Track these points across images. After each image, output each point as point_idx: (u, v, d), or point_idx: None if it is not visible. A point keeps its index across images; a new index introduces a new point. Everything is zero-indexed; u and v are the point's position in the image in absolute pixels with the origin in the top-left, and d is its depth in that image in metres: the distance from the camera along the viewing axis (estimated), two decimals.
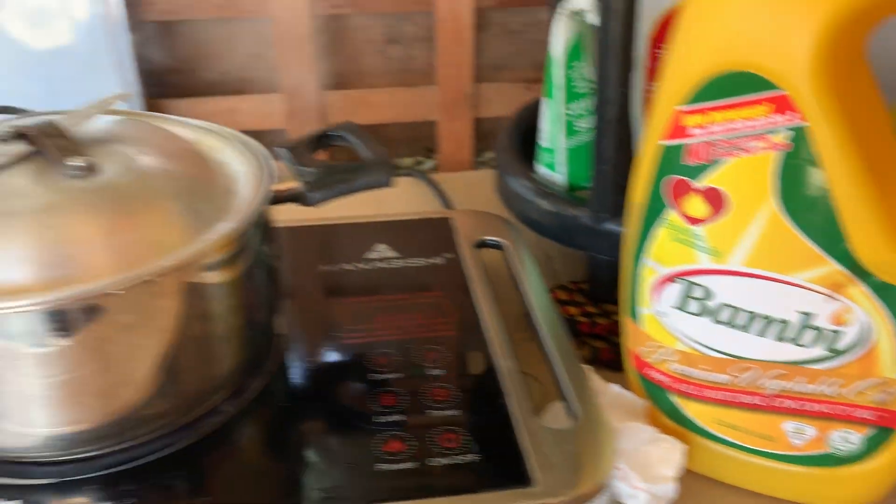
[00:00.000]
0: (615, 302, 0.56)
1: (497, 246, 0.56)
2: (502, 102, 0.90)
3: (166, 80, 0.87)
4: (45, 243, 0.36)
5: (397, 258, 0.55)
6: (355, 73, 0.90)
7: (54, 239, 0.36)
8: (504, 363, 0.46)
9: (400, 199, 0.65)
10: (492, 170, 0.92)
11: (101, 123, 0.44)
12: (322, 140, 0.51)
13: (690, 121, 0.38)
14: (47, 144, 0.39)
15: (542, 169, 0.59)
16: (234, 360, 0.43)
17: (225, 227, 0.39)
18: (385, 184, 0.47)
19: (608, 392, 0.46)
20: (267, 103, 0.87)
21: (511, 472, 0.39)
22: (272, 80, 0.88)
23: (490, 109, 0.90)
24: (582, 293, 0.58)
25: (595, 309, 0.56)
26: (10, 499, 0.38)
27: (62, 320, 0.35)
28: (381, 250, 0.56)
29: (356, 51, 0.89)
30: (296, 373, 0.47)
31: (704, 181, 0.38)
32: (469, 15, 0.84)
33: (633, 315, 0.45)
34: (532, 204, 0.57)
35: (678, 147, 0.39)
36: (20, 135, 0.41)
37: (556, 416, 0.44)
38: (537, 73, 0.91)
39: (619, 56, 0.48)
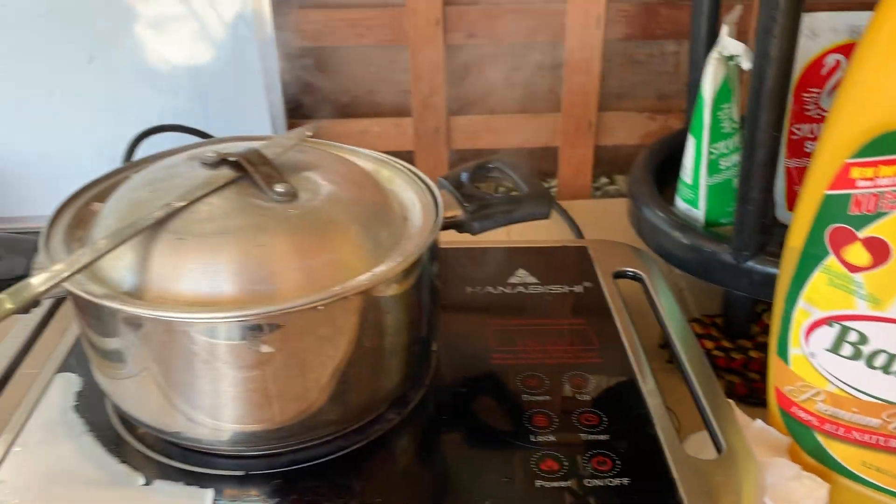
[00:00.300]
0: (750, 337, 0.57)
1: (635, 277, 0.58)
2: (624, 131, 0.92)
3: (302, 102, 0.93)
4: (253, 260, 0.40)
5: (537, 284, 0.58)
6: (480, 99, 0.93)
7: (260, 257, 0.41)
8: (649, 392, 0.48)
9: (525, 225, 0.68)
10: (612, 198, 0.95)
11: (292, 151, 0.48)
12: (479, 171, 0.54)
13: (858, 173, 0.39)
14: (255, 171, 0.43)
15: (680, 203, 0.61)
16: (400, 373, 0.47)
17: (409, 252, 0.43)
18: (545, 215, 0.50)
19: (752, 427, 0.47)
20: (397, 126, 0.92)
21: (662, 499, 0.41)
22: (400, 104, 0.93)
23: (611, 138, 0.92)
24: (716, 327, 0.59)
25: (730, 344, 0.57)
26: (203, 486, 0.43)
27: (265, 331, 0.40)
28: (522, 276, 0.59)
29: (482, 77, 0.92)
30: (449, 387, 0.50)
31: (868, 231, 0.40)
32: (598, 46, 0.86)
33: (782, 354, 0.46)
34: (669, 237, 0.59)
35: (843, 197, 0.40)
36: (225, 161, 0.45)
37: (698, 446, 0.46)
38: (660, 103, 0.94)
39: (772, 101, 0.50)
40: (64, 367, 0.51)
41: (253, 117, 0.88)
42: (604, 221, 0.82)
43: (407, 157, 0.92)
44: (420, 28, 0.85)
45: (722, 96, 0.56)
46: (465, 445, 0.46)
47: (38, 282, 0.37)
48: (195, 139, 0.79)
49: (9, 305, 0.35)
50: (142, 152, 0.77)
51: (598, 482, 0.42)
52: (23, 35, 0.83)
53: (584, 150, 0.91)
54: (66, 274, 0.37)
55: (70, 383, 0.50)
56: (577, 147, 0.91)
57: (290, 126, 0.91)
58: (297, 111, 0.92)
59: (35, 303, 0.38)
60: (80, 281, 0.40)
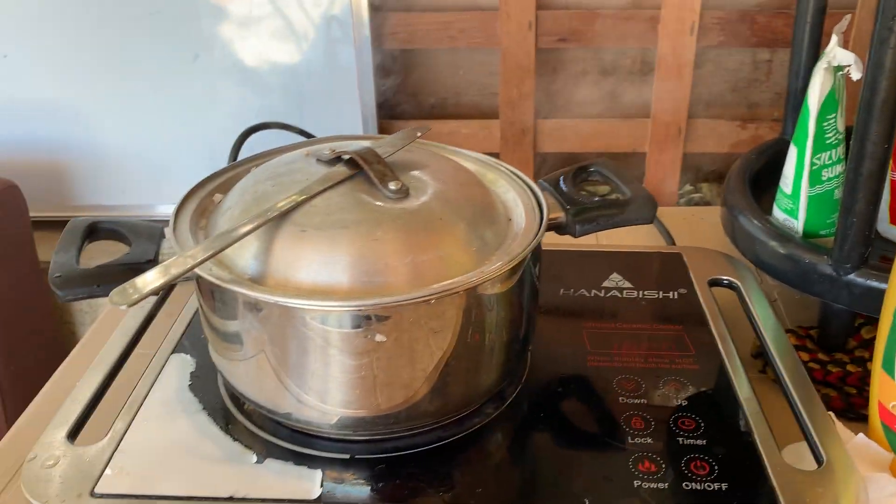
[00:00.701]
0: (847, 351, 0.57)
1: (730, 286, 0.58)
2: (713, 139, 0.91)
3: (391, 103, 0.95)
4: (367, 254, 0.42)
5: (631, 289, 0.59)
6: (567, 103, 0.94)
7: (374, 251, 0.42)
8: (746, 399, 0.48)
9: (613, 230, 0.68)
10: (699, 206, 0.94)
11: (402, 150, 0.50)
12: (579, 174, 0.55)
13: None
14: (369, 168, 0.45)
15: (778, 213, 0.60)
16: (499, 369, 0.48)
17: (515, 252, 0.44)
18: (649, 220, 0.51)
19: (853, 440, 0.47)
20: (484, 128, 0.93)
21: None
22: (486, 106, 0.94)
23: (699, 145, 0.92)
24: (811, 339, 0.59)
25: (826, 357, 0.56)
26: (311, 467, 0.45)
27: (378, 321, 0.41)
28: (616, 280, 0.59)
29: (570, 81, 0.93)
30: (545, 386, 0.51)
31: None
32: (691, 52, 0.86)
33: (888, 368, 0.46)
34: (766, 246, 0.58)
35: None
36: (340, 158, 0.47)
37: (796, 456, 0.46)
38: (750, 112, 0.93)
39: (884, 113, 0.49)
40: (178, 349, 0.54)
41: (346, 117, 0.91)
42: (691, 229, 0.81)
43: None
44: (512, 32, 0.86)
45: (828, 106, 0.56)
46: (560, 442, 0.47)
47: (175, 265, 0.39)
48: (295, 137, 0.82)
49: (151, 287, 0.38)
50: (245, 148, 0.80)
51: (696, 485, 0.42)
52: (133, 33, 0.88)
53: (673, 157, 0.91)
54: (201, 258, 0.40)
55: (185, 364, 0.52)
56: (665, 153, 0.91)
57: (381, 127, 0.93)
58: (386, 112, 0.94)
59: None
60: (209, 266, 0.42)
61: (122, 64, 0.89)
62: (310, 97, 0.91)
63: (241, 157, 0.78)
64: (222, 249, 0.41)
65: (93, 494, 0.43)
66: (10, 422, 0.82)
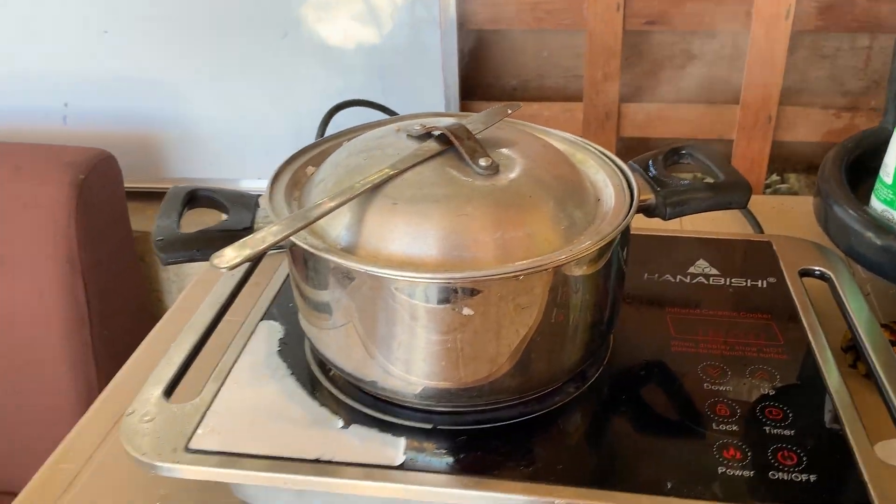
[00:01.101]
0: None
1: (822, 276, 0.57)
2: (805, 128, 0.88)
3: (473, 84, 0.95)
4: (457, 228, 0.43)
5: (718, 276, 0.57)
6: (652, 87, 0.92)
7: (464, 225, 0.43)
8: (836, 392, 0.47)
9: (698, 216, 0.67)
10: (789, 196, 0.91)
11: (492, 128, 0.50)
12: (670, 156, 0.54)
13: None
14: (461, 144, 0.46)
15: (877, 203, 0.58)
16: (581, 349, 0.48)
17: (605, 232, 0.44)
18: (742, 204, 0.49)
19: None
20: (566, 111, 0.92)
21: (852, 500, 0.40)
22: (568, 89, 0.94)
23: (789, 134, 0.89)
24: None
25: None
26: (395, 435, 0.46)
27: (467, 295, 0.42)
28: (702, 266, 0.58)
29: (656, 65, 0.91)
30: (628, 368, 0.51)
31: None
32: (784, 37, 0.83)
33: None
34: (862, 237, 0.56)
35: None
36: (430, 134, 0.48)
37: (891, 452, 0.44)
38: (845, 100, 0.89)
39: None
40: (267, 316, 0.56)
41: (427, 97, 0.92)
42: (779, 218, 0.79)
43: None
44: (600, 13, 0.85)
45: None
46: (642, 424, 0.46)
47: (272, 233, 0.41)
48: (379, 115, 0.83)
49: (252, 251, 0.39)
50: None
51: (782, 475, 0.42)
52: (226, 10, 0.90)
53: (761, 145, 0.88)
54: (298, 226, 0.41)
55: (273, 330, 0.54)
56: (754, 141, 0.88)
57: (462, 108, 0.93)
58: (466, 92, 0.94)
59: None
60: (303, 235, 0.43)
61: (214, 41, 0.92)
62: (392, 77, 0.92)
63: (325, 133, 0.80)
64: (318, 218, 0.42)
65: (187, 449, 0.45)
66: (102, 382, 0.86)
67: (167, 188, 0.51)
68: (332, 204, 0.42)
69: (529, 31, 0.92)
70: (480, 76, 0.95)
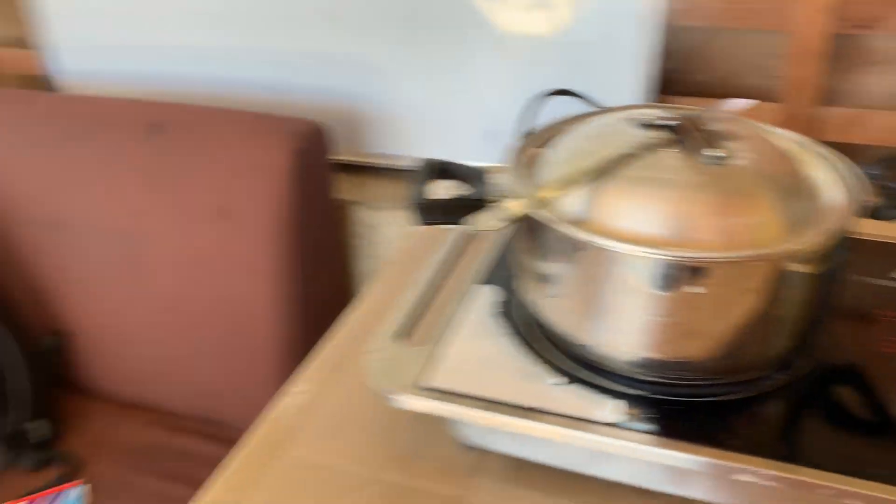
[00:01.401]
0: None
1: None
2: None
3: (668, 79, 0.97)
4: (685, 211, 0.46)
5: None
6: (854, 92, 0.91)
7: (692, 209, 0.46)
8: None
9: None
10: None
11: (719, 121, 0.53)
12: (893, 162, 0.55)
13: None
14: (691, 135, 0.49)
15: None
16: (791, 340, 0.50)
17: (829, 229, 0.46)
18: None
19: None
20: (758, 111, 0.92)
21: None
22: (764, 89, 0.93)
23: None
24: None
25: None
26: (616, 398, 0.50)
27: (692, 274, 0.45)
28: None
29: (861, 70, 0.89)
30: (836, 363, 0.52)
31: None
32: None
33: None
34: None
35: None
36: (659, 125, 0.52)
37: None
38: None
39: None
40: (486, 280, 0.61)
41: (624, 90, 0.94)
42: None
43: None
44: (808, 15, 0.85)
45: None
46: (846, 420, 0.48)
47: (523, 205, 0.46)
48: (578, 107, 0.87)
49: (506, 216, 0.45)
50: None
51: None
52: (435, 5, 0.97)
53: None
54: (549, 196, 0.46)
55: (494, 293, 0.60)
56: None
57: (660, 101, 0.95)
58: (663, 87, 0.96)
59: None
60: (543, 211, 0.48)
61: (419, 28, 1.00)
62: (589, 69, 0.95)
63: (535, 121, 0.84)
64: (565, 191, 0.47)
65: (418, 386, 0.51)
66: (310, 328, 0.95)
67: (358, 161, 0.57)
68: (580, 181, 0.47)
69: (727, 29, 0.92)
70: (677, 72, 0.97)
